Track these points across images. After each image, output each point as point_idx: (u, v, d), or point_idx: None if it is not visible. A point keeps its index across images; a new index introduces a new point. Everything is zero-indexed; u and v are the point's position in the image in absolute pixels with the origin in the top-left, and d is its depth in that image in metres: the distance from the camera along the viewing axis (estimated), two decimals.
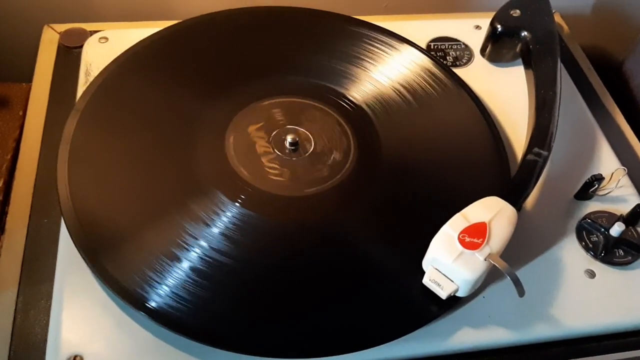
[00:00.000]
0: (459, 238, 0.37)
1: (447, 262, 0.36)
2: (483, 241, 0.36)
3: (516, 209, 0.39)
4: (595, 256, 0.43)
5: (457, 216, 0.38)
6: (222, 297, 0.37)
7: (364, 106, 0.48)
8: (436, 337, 0.38)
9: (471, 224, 0.37)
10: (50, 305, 0.38)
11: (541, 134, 0.44)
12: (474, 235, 0.37)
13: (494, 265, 0.36)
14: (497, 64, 0.55)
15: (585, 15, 0.71)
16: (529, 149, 0.43)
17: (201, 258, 0.38)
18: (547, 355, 0.39)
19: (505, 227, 0.38)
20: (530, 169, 0.42)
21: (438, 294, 0.37)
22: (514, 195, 0.40)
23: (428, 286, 0.38)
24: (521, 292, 0.36)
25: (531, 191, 0.42)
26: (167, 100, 0.47)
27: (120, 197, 0.41)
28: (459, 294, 0.38)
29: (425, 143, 0.47)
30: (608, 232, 0.42)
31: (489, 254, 0.36)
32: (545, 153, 0.43)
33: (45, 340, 0.37)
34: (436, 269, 0.37)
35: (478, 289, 0.39)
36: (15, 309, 0.38)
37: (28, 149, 0.46)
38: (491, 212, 0.38)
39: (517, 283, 0.36)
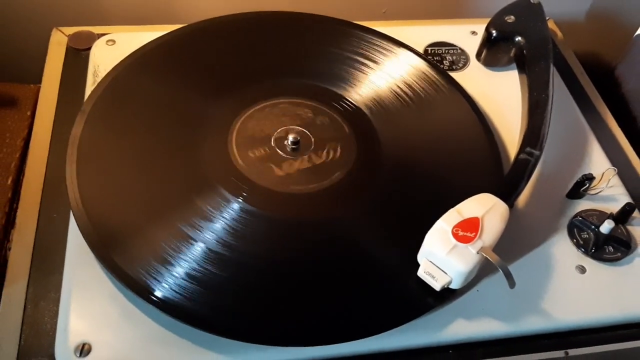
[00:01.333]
0: (452, 232, 0.38)
1: (441, 254, 0.37)
2: (476, 235, 0.38)
3: (508, 205, 0.40)
4: (586, 252, 0.44)
5: (451, 211, 0.39)
6: (225, 288, 0.38)
7: (364, 108, 0.50)
8: (431, 329, 0.39)
9: (465, 218, 0.38)
10: (59, 296, 0.39)
11: (533, 135, 0.45)
12: (467, 230, 0.38)
13: (486, 258, 0.37)
14: (492, 68, 0.56)
15: (578, 22, 0.73)
16: (521, 149, 0.45)
17: (204, 251, 0.40)
18: (539, 346, 0.40)
19: (497, 222, 0.39)
20: (523, 167, 0.43)
21: (432, 286, 0.39)
22: (507, 193, 0.41)
23: (423, 278, 0.39)
24: (512, 284, 0.37)
25: (523, 189, 0.43)
26: (172, 100, 0.48)
27: (127, 193, 0.42)
28: (452, 286, 0.39)
29: (422, 143, 0.48)
30: (598, 229, 0.44)
31: (482, 247, 0.37)
32: (537, 153, 0.44)
33: (55, 330, 0.38)
34: (430, 261, 0.38)
35: (472, 283, 0.40)
36: (26, 300, 0.39)
37: (38, 147, 0.47)
38: (484, 207, 0.39)
39: (507, 275, 0.37)
